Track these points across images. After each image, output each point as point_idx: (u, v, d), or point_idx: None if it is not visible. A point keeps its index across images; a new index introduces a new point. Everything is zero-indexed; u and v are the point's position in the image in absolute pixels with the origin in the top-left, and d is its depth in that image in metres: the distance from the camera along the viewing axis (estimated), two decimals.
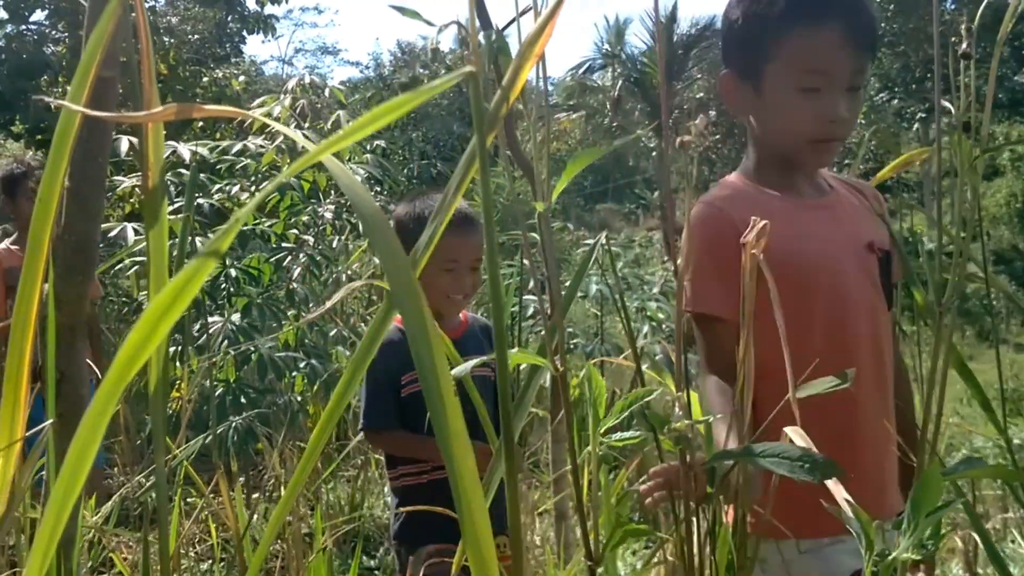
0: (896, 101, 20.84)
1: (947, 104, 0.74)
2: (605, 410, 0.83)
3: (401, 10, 0.90)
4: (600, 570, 0.86)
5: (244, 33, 13.96)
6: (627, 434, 0.84)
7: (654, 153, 26.77)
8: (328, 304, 1.04)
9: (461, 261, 2.31)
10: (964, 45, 0.73)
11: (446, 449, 0.63)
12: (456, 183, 0.79)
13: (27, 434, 0.98)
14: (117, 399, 0.53)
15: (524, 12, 1.56)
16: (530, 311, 6.49)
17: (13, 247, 3.84)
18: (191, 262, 0.53)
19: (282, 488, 3.26)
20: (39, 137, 11.89)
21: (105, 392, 0.52)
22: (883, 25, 20.29)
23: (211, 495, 2.27)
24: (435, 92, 0.56)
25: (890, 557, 0.67)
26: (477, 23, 0.77)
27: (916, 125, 20.54)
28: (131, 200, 5.78)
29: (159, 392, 0.95)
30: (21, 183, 3.80)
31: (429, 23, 0.90)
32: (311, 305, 4.52)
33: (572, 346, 6.10)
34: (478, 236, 2.35)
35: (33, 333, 0.94)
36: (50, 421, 0.98)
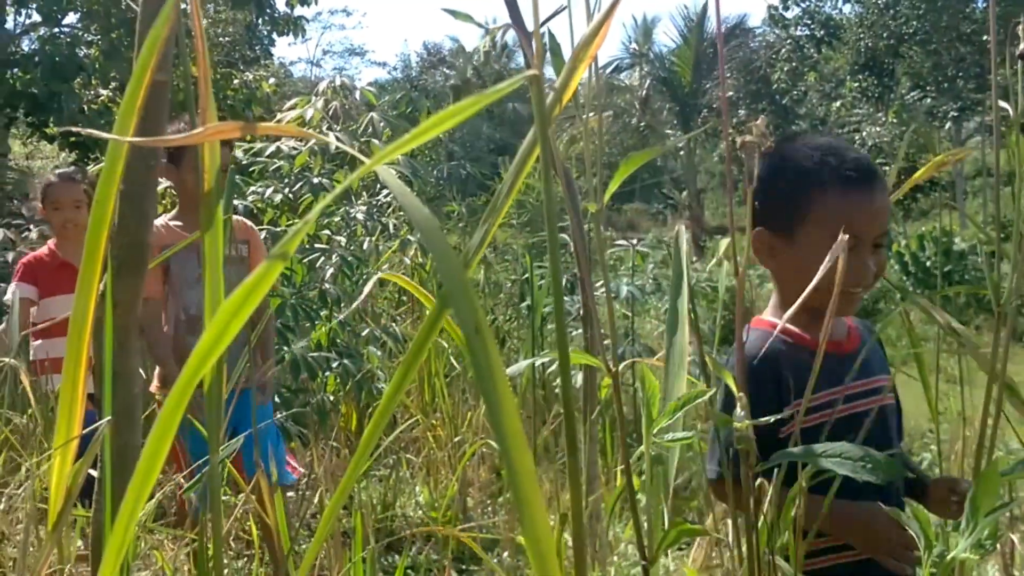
0: (928, 100, 20.66)
1: (1005, 105, 0.74)
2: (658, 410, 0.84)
3: (454, 13, 0.91)
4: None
5: (274, 35, 14.06)
6: (680, 434, 0.84)
7: (682, 152, 26.70)
8: (362, 296, 1.05)
9: (862, 236, 1.47)
10: (1022, 46, 0.73)
11: (504, 446, 0.64)
12: (509, 184, 0.79)
13: (83, 432, 1.00)
14: (189, 397, 0.54)
15: (559, 11, 1.57)
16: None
17: (174, 223, 3.28)
18: (261, 264, 0.54)
19: (324, 489, 3.28)
20: (73, 139, 12.03)
21: (179, 390, 0.53)
22: (914, 23, 20.11)
23: (251, 493, 2.29)
24: (499, 95, 0.56)
25: (949, 556, 0.67)
26: (533, 26, 0.78)
27: (948, 124, 20.35)
28: (163, 201, 5.84)
29: (214, 391, 0.97)
30: (187, 149, 3.13)
31: (481, 25, 0.91)
32: (343, 306, 4.55)
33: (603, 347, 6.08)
34: (886, 196, 1.54)
35: (89, 332, 0.96)
36: (106, 419, 1.00)
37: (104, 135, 0.74)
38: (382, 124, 4.94)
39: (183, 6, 1.03)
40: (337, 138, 4.29)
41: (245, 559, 3.42)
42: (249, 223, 3.50)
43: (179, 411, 0.55)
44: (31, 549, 1.26)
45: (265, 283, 0.55)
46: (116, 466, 1.04)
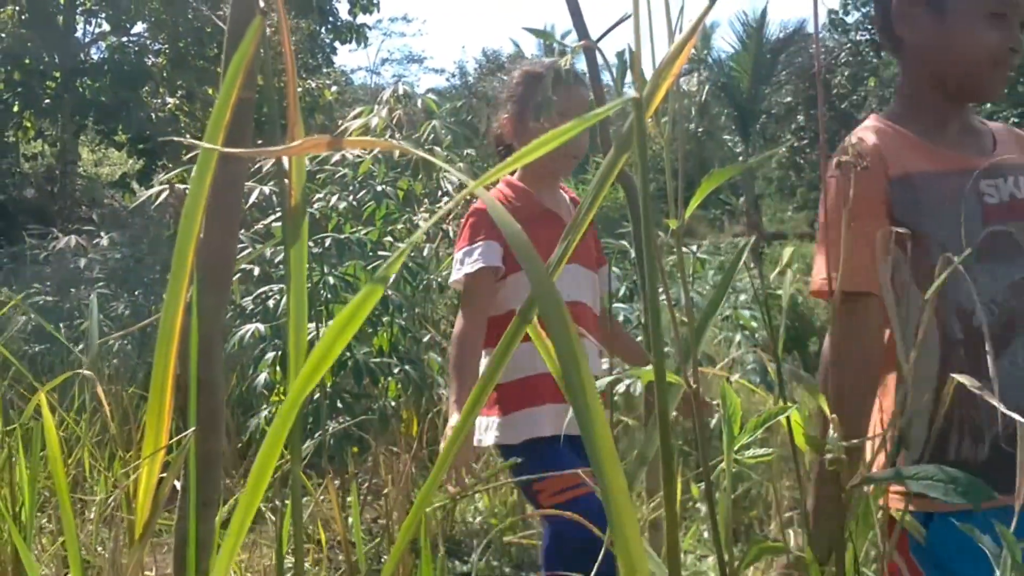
0: (987, 105, 20.21)
1: None
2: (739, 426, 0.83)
3: (534, 31, 0.92)
4: None
5: (336, 44, 14.23)
6: (761, 451, 0.84)
7: (740, 158, 26.43)
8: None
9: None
10: None
11: (597, 466, 0.64)
12: (590, 200, 0.80)
13: (170, 442, 1.02)
14: (299, 410, 0.56)
15: (623, 20, 1.57)
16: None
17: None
18: (365, 287, 0.56)
19: (384, 494, 3.31)
20: (141, 146, 12.29)
21: (290, 403, 0.54)
22: None
23: (321, 499, 2.33)
24: (599, 118, 0.57)
25: None
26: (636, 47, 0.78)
27: None
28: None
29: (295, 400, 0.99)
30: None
31: (561, 44, 0.92)
32: (404, 313, 4.57)
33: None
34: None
35: (177, 342, 0.98)
36: (192, 429, 1.02)
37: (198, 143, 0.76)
38: (444, 132, 4.98)
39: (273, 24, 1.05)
40: (408, 145, 4.32)
41: (311, 562, 3.46)
42: None
43: (289, 420, 0.57)
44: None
45: (366, 307, 0.56)
46: (200, 474, 1.06)
